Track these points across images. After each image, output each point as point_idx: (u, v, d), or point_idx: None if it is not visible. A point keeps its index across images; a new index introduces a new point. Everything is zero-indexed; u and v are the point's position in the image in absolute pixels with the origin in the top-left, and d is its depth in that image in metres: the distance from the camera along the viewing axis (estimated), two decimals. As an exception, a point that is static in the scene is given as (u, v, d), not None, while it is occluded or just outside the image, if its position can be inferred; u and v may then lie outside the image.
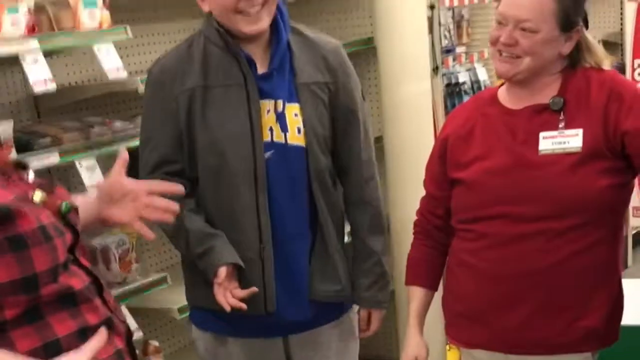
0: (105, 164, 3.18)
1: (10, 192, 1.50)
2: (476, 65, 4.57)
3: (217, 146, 2.24)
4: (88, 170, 2.78)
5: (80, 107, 3.18)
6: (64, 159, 2.73)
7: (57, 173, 3.08)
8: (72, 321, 1.52)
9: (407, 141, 3.72)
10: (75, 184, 2.99)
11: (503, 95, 2.22)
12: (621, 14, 5.54)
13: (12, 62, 2.90)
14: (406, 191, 3.67)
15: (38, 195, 1.54)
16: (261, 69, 2.27)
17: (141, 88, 2.72)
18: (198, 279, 2.27)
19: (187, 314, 2.57)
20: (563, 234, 2.08)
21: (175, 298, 3.00)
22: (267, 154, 2.25)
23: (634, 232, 5.51)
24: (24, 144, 2.71)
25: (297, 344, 2.42)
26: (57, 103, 3.10)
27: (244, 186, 2.24)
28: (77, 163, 2.77)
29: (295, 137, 2.28)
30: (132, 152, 2.56)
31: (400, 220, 3.72)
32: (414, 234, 2.41)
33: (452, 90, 4.41)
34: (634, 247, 5.51)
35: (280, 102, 2.27)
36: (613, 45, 5.53)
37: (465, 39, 4.74)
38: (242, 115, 2.23)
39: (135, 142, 2.57)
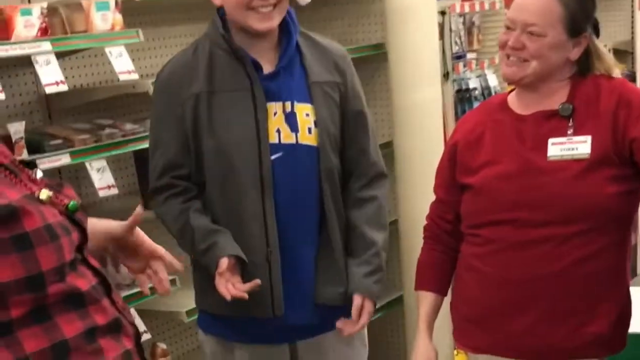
0: (115, 165, 3.22)
1: (18, 191, 1.49)
2: (487, 71, 4.56)
3: (223, 150, 2.25)
4: (98, 172, 2.79)
5: (91, 109, 3.19)
6: (74, 161, 2.75)
7: (68, 174, 3.09)
8: (80, 322, 1.51)
9: (417, 146, 3.72)
10: (85, 185, 3.00)
11: (513, 101, 2.23)
12: (632, 22, 5.56)
13: (25, 64, 2.91)
14: (416, 196, 3.67)
15: (44, 194, 1.53)
16: (268, 69, 2.28)
17: (152, 90, 2.73)
18: (206, 285, 2.27)
19: (195, 317, 2.58)
20: (570, 240, 2.08)
21: (184, 301, 3.01)
22: (275, 156, 2.26)
23: (642, 240, 5.49)
24: (35, 145, 2.73)
25: (304, 349, 2.42)
26: (68, 104, 3.12)
27: (250, 190, 2.25)
28: (87, 164, 2.79)
29: (306, 137, 2.28)
30: (143, 154, 2.59)
31: (409, 225, 3.72)
32: (424, 238, 2.41)
33: (463, 96, 4.41)
34: (642, 255, 5.49)
35: (288, 104, 2.28)
36: (623, 53, 5.53)
37: (476, 46, 4.75)
38: (248, 119, 2.24)
39: (146, 144, 2.58)
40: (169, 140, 2.30)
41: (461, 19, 4.60)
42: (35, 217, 1.46)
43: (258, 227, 2.27)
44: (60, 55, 2.77)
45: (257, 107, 2.24)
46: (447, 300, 2.41)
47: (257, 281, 2.19)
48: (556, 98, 2.15)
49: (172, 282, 3.00)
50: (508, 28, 2.14)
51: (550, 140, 2.12)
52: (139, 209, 1.84)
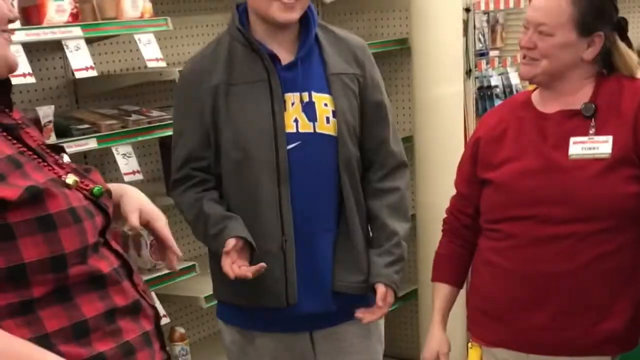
0: (141, 151, 3.26)
1: (44, 174, 1.52)
2: (509, 69, 4.57)
3: (240, 140, 2.29)
4: (124, 157, 2.84)
5: (117, 95, 3.23)
6: (101, 145, 2.80)
7: (94, 159, 3.14)
8: (100, 303, 1.54)
9: (437, 141, 3.74)
10: (110, 169, 3.05)
11: (536, 99, 2.26)
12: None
13: (54, 48, 2.96)
14: (434, 191, 3.69)
15: (71, 179, 1.57)
16: (287, 60, 2.31)
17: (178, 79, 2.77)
18: (222, 274, 2.27)
19: (213, 302, 2.61)
20: (589, 237, 2.10)
21: (203, 287, 3.05)
22: (292, 145, 2.29)
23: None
24: (63, 129, 2.78)
25: (321, 339, 2.44)
26: (96, 90, 3.16)
27: (266, 178, 2.28)
28: (114, 149, 2.83)
29: (325, 127, 2.31)
30: (168, 141, 2.63)
31: (427, 219, 3.74)
32: (442, 231, 2.44)
33: (484, 94, 4.42)
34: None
35: (305, 94, 2.31)
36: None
37: (499, 43, 4.75)
38: (264, 110, 2.27)
39: (171, 131, 2.62)
40: (190, 133, 2.34)
41: (485, 17, 4.61)
42: (60, 200, 1.49)
43: (273, 216, 2.29)
44: (89, 41, 2.81)
45: (274, 98, 2.28)
46: (462, 293, 2.44)
47: (263, 264, 2.20)
48: (579, 97, 2.17)
49: (192, 268, 3.06)
50: (525, 28, 2.18)
51: (572, 139, 2.14)
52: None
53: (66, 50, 2.69)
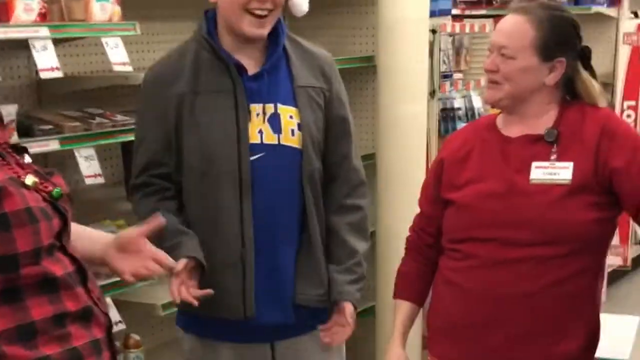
0: (103, 155, 3.23)
1: (3, 173, 1.52)
2: (472, 92, 4.63)
3: (203, 148, 2.28)
4: (86, 160, 2.82)
5: (81, 97, 3.20)
6: (63, 147, 2.77)
7: (55, 160, 3.10)
8: (50, 306, 1.53)
9: (400, 160, 3.76)
10: (72, 172, 3.02)
11: (500, 122, 2.28)
12: (614, 55, 5.65)
13: (19, 47, 2.93)
14: (395, 208, 3.71)
15: (30, 179, 1.56)
16: (253, 71, 2.32)
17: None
18: None
19: (171, 310, 2.60)
20: (547, 261, 2.13)
21: (160, 295, 3.02)
22: (256, 156, 2.28)
23: (609, 269, 5.57)
24: (25, 129, 2.75)
25: (282, 349, 2.44)
26: (60, 91, 3.13)
27: (227, 189, 2.28)
28: (76, 152, 2.80)
29: (289, 139, 2.32)
30: (130, 146, 2.62)
31: (387, 237, 3.76)
32: (405, 249, 2.45)
33: (447, 115, 4.47)
34: (609, 284, 5.57)
35: (271, 106, 2.31)
36: (604, 85, 5.60)
37: (463, 66, 4.82)
38: (229, 120, 2.27)
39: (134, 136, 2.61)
40: (152, 139, 2.34)
41: (450, 39, 4.67)
42: (16, 199, 1.49)
43: (234, 227, 2.29)
44: (56, 42, 2.79)
45: (239, 108, 2.28)
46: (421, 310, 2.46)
47: (209, 291, 2.18)
48: (542, 122, 2.20)
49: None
50: (490, 51, 2.21)
51: (534, 164, 2.17)
52: (161, 219, 1.88)
53: (32, 50, 2.66)
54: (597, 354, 2.26)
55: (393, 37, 3.76)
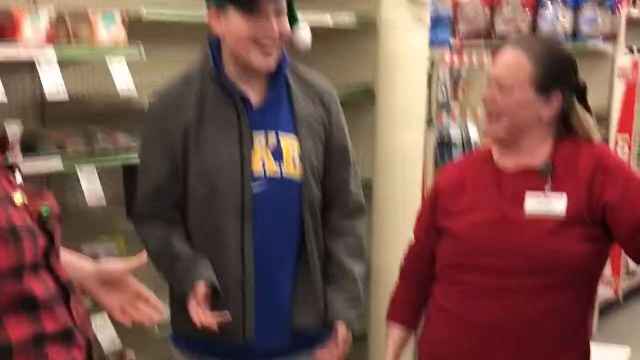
0: (105, 176, 3.26)
1: None
2: (469, 123, 4.67)
3: (208, 175, 2.31)
4: (88, 179, 2.85)
5: (85, 119, 3.24)
6: (66, 165, 2.80)
7: (57, 178, 3.13)
8: (29, 326, 1.51)
9: (396, 188, 3.80)
10: (73, 194, 3.04)
11: (497, 155, 2.31)
12: (610, 89, 5.70)
13: (26, 68, 2.97)
14: (391, 235, 3.74)
15: (18, 198, 1.56)
16: (257, 100, 2.35)
17: (147, 107, 2.79)
18: (182, 308, 2.28)
19: (166, 329, 2.60)
20: (539, 291, 2.16)
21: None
22: (259, 188, 2.31)
23: (600, 301, 5.58)
24: (29, 147, 2.79)
25: None
26: (64, 112, 3.17)
27: (230, 215, 2.30)
28: (78, 172, 2.84)
29: (291, 169, 2.35)
30: (131, 167, 2.65)
31: (383, 262, 3.78)
32: (400, 275, 2.48)
33: (443, 145, 4.50)
34: (600, 316, 5.58)
35: (273, 134, 2.34)
36: (600, 119, 5.64)
37: (460, 97, 4.85)
38: (234, 152, 2.30)
39: (137, 158, 2.64)
40: (157, 168, 2.35)
41: (448, 69, 4.70)
42: (1, 217, 1.48)
43: (235, 254, 2.31)
44: (62, 64, 2.83)
45: (243, 139, 2.31)
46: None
47: (228, 317, 2.22)
48: (538, 156, 2.24)
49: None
50: (488, 83, 2.25)
51: (528, 196, 2.20)
52: (143, 257, 1.90)
53: (39, 70, 2.71)
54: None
55: (392, 67, 3.81)
